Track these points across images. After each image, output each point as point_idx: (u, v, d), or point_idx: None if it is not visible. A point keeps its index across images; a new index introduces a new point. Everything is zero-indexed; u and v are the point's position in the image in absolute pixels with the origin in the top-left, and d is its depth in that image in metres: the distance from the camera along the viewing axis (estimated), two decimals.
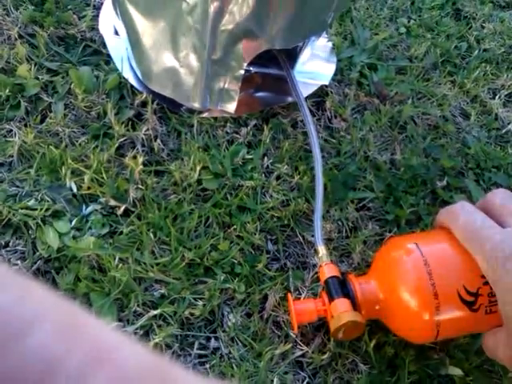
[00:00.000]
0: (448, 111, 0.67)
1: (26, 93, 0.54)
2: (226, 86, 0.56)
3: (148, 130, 0.54)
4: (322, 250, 0.45)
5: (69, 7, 0.63)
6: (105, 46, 0.60)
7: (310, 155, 0.57)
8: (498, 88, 0.72)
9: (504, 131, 0.67)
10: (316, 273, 0.49)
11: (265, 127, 0.58)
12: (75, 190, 0.49)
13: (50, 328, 0.13)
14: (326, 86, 0.64)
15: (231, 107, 0.57)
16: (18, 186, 0.49)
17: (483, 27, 0.82)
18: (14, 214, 0.46)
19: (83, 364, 0.13)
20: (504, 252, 0.35)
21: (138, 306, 0.43)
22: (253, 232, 0.50)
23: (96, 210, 0.48)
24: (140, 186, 0.50)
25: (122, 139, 0.53)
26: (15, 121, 0.53)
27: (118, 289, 0.43)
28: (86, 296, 0.43)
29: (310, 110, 0.60)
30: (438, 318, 0.39)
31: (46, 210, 0.47)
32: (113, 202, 0.49)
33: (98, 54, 0.60)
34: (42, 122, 0.53)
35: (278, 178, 0.55)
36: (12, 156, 0.50)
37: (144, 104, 0.56)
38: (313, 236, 0.51)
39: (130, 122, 0.55)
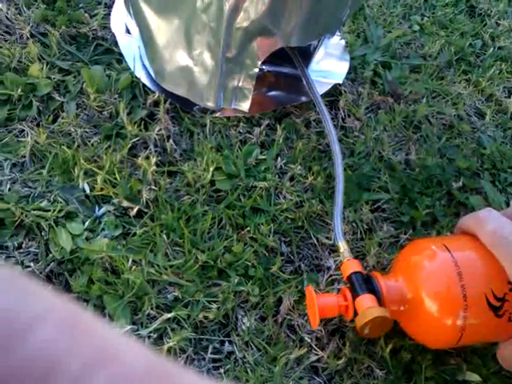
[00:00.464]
0: (463, 110, 0.66)
1: (38, 92, 0.54)
2: (240, 84, 0.55)
3: (161, 130, 0.54)
4: (342, 245, 0.45)
5: (80, 6, 0.62)
6: (117, 44, 0.60)
7: (324, 155, 0.57)
8: None
9: None
10: (331, 276, 0.48)
11: (278, 127, 0.57)
12: (88, 190, 0.49)
13: (52, 328, 0.13)
14: (340, 84, 0.63)
15: (245, 106, 0.57)
16: (30, 187, 0.48)
17: (498, 24, 0.81)
18: (26, 216, 0.46)
19: (85, 364, 0.13)
20: None
21: (151, 308, 0.43)
22: (266, 234, 0.49)
23: (109, 211, 0.48)
24: (153, 187, 0.50)
25: (134, 139, 0.53)
26: (27, 121, 0.52)
27: (132, 291, 0.43)
28: (99, 299, 0.43)
29: None
30: (464, 319, 0.38)
31: (59, 211, 0.46)
32: (126, 203, 0.48)
33: (109, 52, 0.60)
34: (54, 121, 0.53)
35: (291, 178, 0.54)
36: (24, 156, 0.50)
37: (156, 103, 0.56)
38: (327, 238, 0.50)
39: (143, 122, 0.54)
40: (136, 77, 0.57)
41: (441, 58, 0.72)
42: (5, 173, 0.48)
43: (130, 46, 0.59)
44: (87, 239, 0.46)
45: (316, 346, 0.44)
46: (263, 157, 0.55)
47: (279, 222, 0.51)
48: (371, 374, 0.43)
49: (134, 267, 0.45)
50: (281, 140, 0.57)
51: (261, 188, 0.52)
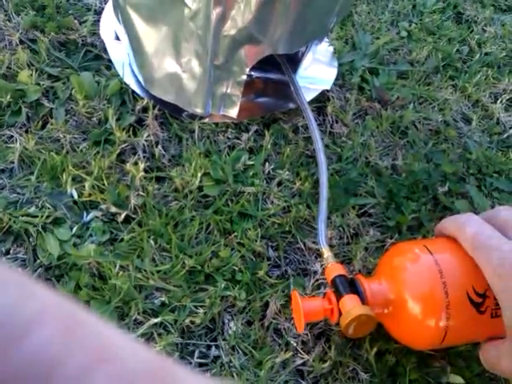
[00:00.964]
0: (449, 116, 0.67)
1: (27, 99, 0.54)
2: (229, 91, 0.56)
3: (149, 136, 0.54)
4: (326, 251, 0.45)
5: (70, 12, 0.63)
6: (106, 51, 0.60)
7: (312, 161, 0.57)
8: (499, 92, 0.72)
9: (506, 136, 0.67)
10: (317, 280, 0.49)
11: (266, 133, 0.58)
12: (76, 196, 0.49)
13: (50, 328, 0.13)
14: (328, 90, 0.64)
15: (233, 112, 0.57)
16: (18, 193, 0.49)
17: (485, 31, 0.82)
18: (14, 222, 0.46)
19: (84, 364, 0.12)
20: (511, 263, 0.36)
21: (138, 314, 0.43)
22: (254, 239, 0.50)
23: (97, 217, 0.48)
24: (141, 193, 0.50)
25: (123, 145, 0.53)
26: (16, 127, 0.53)
27: (119, 297, 0.43)
28: (86, 304, 0.43)
29: None
30: (446, 318, 0.39)
31: (47, 217, 0.47)
32: (113, 209, 0.49)
33: (99, 59, 0.60)
34: (42, 128, 0.53)
35: (279, 184, 0.55)
36: (13, 162, 0.50)
37: (145, 110, 0.56)
38: (314, 242, 0.51)
39: (131, 128, 0.55)
40: (125, 83, 0.57)
41: (428, 63, 0.73)
42: None
43: (119, 53, 0.60)
44: (75, 245, 0.46)
45: (302, 349, 0.44)
46: (251, 162, 0.56)
47: (266, 226, 0.51)
48: (356, 376, 0.44)
49: (121, 272, 0.45)
50: (269, 146, 0.57)
51: (249, 193, 0.53)
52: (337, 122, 0.62)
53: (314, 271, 0.49)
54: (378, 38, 0.74)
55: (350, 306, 0.40)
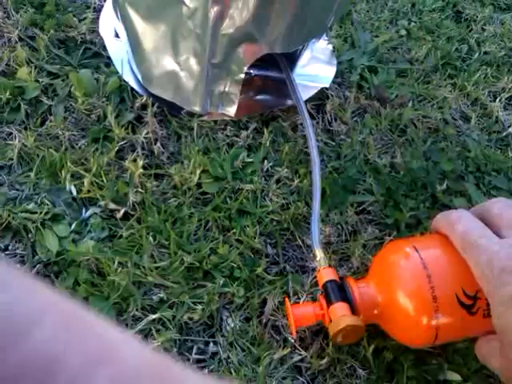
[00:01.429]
0: (448, 114, 0.67)
1: (26, 96, 0.54)
2: (227, 89, 0.56)
3: (148, 133, 0.54)
4: (319, 253, 0.45)
5: (69, 10, 0.63)
6: (105, 48, 0.60)
7: (310, 159, 0.57)
8: (498, 91, 0.72)
9: (504, 134, 0.67)
10: (315, 277, 0.49)
11: (265, 130, 0.58)
12: (75, 193, 0.49)
13: (51, 327, 0.13)
14: (327, 88, 0.64)
15: (231, 110, 0.57)
16: (17, 190, 0.49)
17: (484, 30, 0.82)
18: (13, 218, 0.46)
19: (84, 363, 0.12)
20: (500, 263, 0.35)
21: (136, 310, 0.43)
22: (252, 236, 0.50)
23: (95, 214, 0.48)
24: (140, 190, 0.50)
25: (121, 142, 0.53)
26: (15, 124, 0.53)
27: (117, 293, 0.43)
28: (85, 300, 0.43)
29: (310, 113, 0.61)
30: (436, 321, 0.39)
31: (46, 213, 0.47)
32: (112, 206, 0.49)
33: (98, 56, 0.60)
34: (42, 125, 0.54)
35: (277, 181, 0.55)
36: (12, 159, 0.50)
37: (144, 107, 0.56)
38: None
39: (130, 125, 0.55)
40: (124, 80, 0.57)
41: (427, 62, 0.73)
42: None
43: (118, 50, 0.60)
44: (73, 241, 0.46)
45: (299, 346, 0.44)
46: (250, 160, 0.56)
47: (265, 224, 0.51)
48: (354, 373, 0.44)
49: (119, 269, 0.45)
50: (268, 143, 0.57)
51: (247, 190, 0.53)
52: (336, 120, 0.62)
53: (313, 268, 0.49)
54: (377, 37, 0.74)
55: (339, 314, 0.40)
